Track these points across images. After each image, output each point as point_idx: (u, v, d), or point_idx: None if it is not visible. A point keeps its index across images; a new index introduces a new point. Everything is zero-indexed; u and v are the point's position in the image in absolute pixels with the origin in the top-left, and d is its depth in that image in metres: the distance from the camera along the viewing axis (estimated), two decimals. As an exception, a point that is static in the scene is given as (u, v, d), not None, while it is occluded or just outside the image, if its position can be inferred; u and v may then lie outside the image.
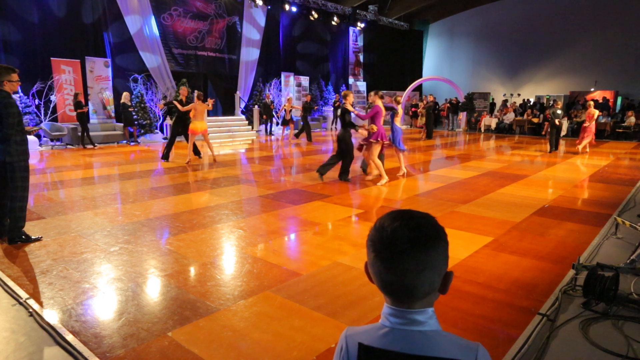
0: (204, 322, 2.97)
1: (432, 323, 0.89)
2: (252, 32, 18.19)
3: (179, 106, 9.89)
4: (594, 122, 12.66)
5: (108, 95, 14.08)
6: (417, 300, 0.88)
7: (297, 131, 16.36)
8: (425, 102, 18.02)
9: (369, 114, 7.53)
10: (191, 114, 9.85)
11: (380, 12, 24.23)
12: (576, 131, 17.47)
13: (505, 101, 22.07)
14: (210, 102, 10.40)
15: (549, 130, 13.14)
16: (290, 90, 19.58)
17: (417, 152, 12.96)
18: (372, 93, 7.64)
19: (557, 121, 12.67)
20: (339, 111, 8.44)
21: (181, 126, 10.24)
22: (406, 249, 0.84)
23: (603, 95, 19.93)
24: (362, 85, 24.35)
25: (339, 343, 0.98)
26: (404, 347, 0.87)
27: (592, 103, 13.18)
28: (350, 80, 23.89)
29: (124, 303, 3.23)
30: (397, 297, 0.89)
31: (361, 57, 24.69)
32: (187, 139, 10.22)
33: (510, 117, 19.80)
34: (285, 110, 15.34)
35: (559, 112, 12.94)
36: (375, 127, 7.30)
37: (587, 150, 12.85)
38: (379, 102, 7.49)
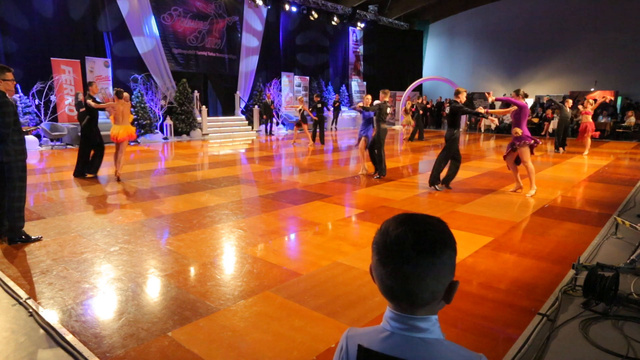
0: (204, 322, 2.97)
1: (435, 331, 0.87)
2: (252, 32, 18.19)
3: (93, 104, 7.95)
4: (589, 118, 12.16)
5: (109, 95, 14.08)
6: (418, 307, 0.86)
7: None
8: (414, 101, 17.89)
9: (512, 111, 6.75)
10: (111, 117, 7.97)
11: (380, 12, 24.22)
12: (575, 131, 17.46)
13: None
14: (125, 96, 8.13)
15: (554, 129, 12.81)
16: (290, 90, 19.57)
17: (417, 153, 12.96)
18: (513, 93, 6.79)
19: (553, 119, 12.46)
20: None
21: (95, 131, 8.15)
22: (409, 256, 0.82)
23: (603, 95, 19.91)
24: (362, 85, 24.36)
25: (340, 343, 0.97)
26: (404, 353, 0.85)
27: (592, 101, 12.87)
28: (352, 80, 23.88)
29: (124, 303, 3.23)
30: (398, 302, 0.87)
31: (361, 57, 24.68)
32: (97, 148, 8.19)
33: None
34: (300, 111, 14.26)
35: (568, 111, 12.63)
36: (519, 131, 6.60)
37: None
38: (522, 101, 6.73)
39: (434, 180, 7.31)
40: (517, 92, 6.78)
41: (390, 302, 0.89)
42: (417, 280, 0.83)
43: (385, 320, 0.91)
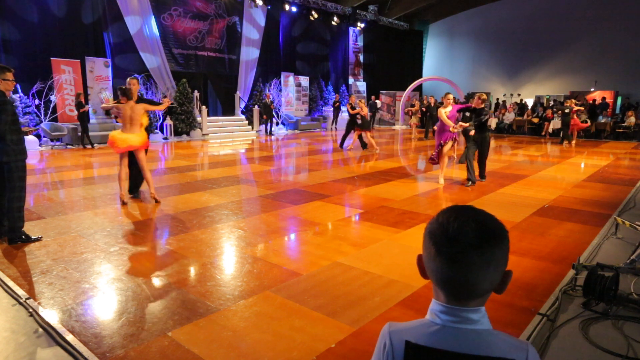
0: (204, 322, 2.96)
1: (485, 321, 0.88)
2: (252, 32, 18.20)
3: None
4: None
5: (108, 95, 14.09)
6: (474, 297, 0.87)
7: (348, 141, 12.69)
8: (425, 102, 17.97)
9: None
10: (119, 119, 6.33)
11: (380, 12, 24.22)
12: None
13: (504, 101, 22.07)
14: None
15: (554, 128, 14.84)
16: (289, 90, 19.58)
17: (417, 152, 12.96)
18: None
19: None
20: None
21: None
22: (473, 245, 0.83)
23: (603, 96, 19.93)
24: (362, 86, 24.36)
25: (382, 339, 0.94)
26: (455, 345, 0.86)
27: (573, 100, 15.06)
28: (350, 80, 23.89)
29: (124, 303, 3.23)
30: (455, 294, 0.87)
31: (361, 57, 24.68)
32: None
33: (510, 117, 19.80)
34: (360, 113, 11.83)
35: (567, 111, 14.38)
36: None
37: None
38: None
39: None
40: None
41: (444, 294, 0.88)
42: (478, 269, 0.84)
43: (432, 314, 0.90)
